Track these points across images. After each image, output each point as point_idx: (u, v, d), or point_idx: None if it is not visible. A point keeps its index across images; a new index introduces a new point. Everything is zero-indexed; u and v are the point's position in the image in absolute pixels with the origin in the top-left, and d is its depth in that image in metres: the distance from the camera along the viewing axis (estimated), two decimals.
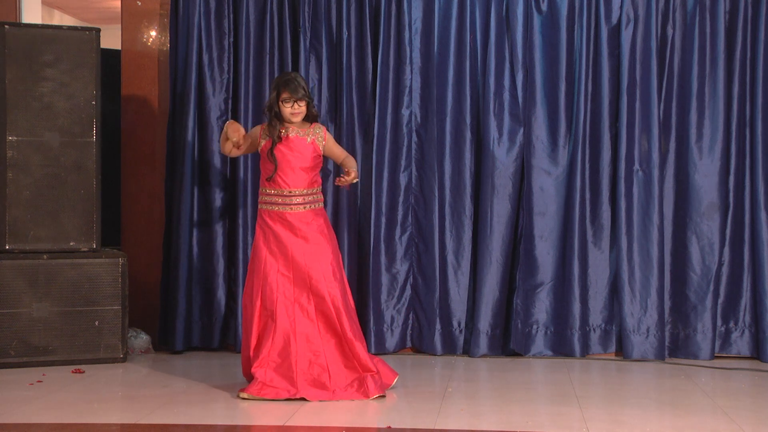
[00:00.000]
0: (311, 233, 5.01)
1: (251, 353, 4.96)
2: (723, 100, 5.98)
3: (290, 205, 5.01)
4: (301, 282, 4.95)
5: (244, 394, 4.79)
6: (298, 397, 4.77)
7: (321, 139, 5.09)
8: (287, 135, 5.03)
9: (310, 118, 5.10)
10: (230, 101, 6.22)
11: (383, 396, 4.86)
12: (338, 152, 5.20)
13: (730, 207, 6.08)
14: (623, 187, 6.02)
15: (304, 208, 5.03)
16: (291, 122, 5.03)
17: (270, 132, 5.03)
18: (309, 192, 5.05)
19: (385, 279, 6.12)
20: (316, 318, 4.93)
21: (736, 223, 6.08)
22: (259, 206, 5.10)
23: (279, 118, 5.03)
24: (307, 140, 5.04)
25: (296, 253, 4.97)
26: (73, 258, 5.71)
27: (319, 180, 5.15)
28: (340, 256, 5.20)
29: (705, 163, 6.02)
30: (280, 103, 5.01)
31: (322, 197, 5.15)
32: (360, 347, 4.92)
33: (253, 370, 4.87)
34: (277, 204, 5.02)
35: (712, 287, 6.00)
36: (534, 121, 6.07)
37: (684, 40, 6.06)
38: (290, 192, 5.01)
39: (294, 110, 5.01)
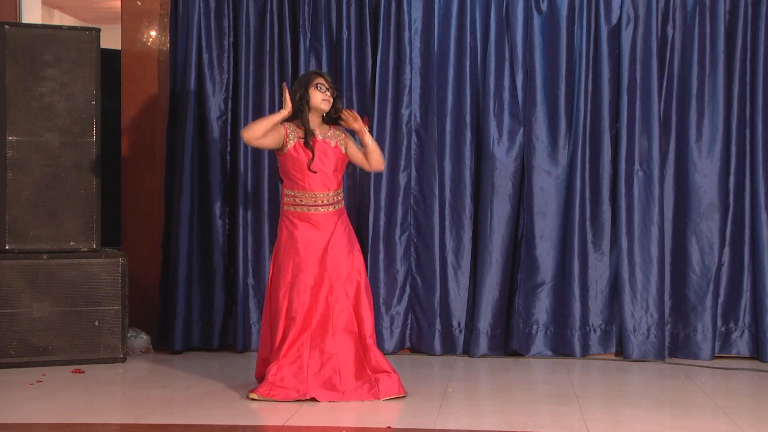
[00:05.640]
0: (336, 234, 4.96)
1: (272, 354, 4.91)
2: (723, 100, 5.98)
3: (317, 206, 4.95)
4: (323, 283, 4.90)
5: (254, 395, 4.76)
6: (308, 397, 4.75)
7: (343, 141, 5.03)
8: (315, 137, 4.96)
9: (328, 119, 5.02)
10: (230, 101, 6.22)
11: (400, 397, 4.83)
12: (358, 149, 5.11)
13: (730, 207, 6.07)
14: (623, 187, 6.02)
15: (330, 209, 4.97)
16: (319, 109, 4.93)
17: (302, 122, 4.92)
18: (335, 193, 5.00)
19: (384, 279, 6.12)
20: (334, 319, 4.87)
21: (736, 224, 6.07)
22: (284, 208, 5.01)
23: (309, 107, 4.92)
24: (331, 144, 4.99)
25: (321, 255, 4.92)
26: (73, 258, 5.71)
27: (342, 182, 5.08)
28: (362, 256, 5.09)
29: (705, 163, 6.02)
30: (312, 89, 4.93)
31: (343, 197, 5.09)
32: (375, 351, 4.89)
33: (267, 369, 4.82)
34: (304, 205, 4.94)
35: (712, 287, 5.99)
36: (534, 121, 6.07)
37: (684, 40, 6.05)
38: (316, 194, 4.94)
39: (325, 96, 4.93)
